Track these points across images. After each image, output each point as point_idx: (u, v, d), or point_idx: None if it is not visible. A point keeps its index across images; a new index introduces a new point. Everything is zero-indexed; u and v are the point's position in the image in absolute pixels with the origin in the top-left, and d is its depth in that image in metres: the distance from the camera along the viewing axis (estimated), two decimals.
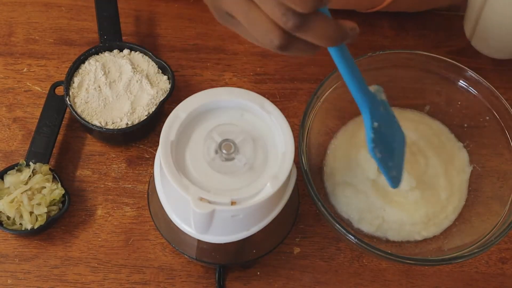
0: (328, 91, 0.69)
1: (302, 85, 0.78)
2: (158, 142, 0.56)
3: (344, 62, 0.53)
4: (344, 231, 0.60)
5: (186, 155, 0.54)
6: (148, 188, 0.67)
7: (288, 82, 0.79)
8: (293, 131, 0.54)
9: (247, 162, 0.54)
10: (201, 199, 0.52)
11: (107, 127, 0.70)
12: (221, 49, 0.80)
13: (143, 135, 0.74)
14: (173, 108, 0.55)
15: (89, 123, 0.70)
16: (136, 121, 0.71)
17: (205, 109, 0.56)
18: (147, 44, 0.79)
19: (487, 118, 0.69)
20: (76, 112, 0.70)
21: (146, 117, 0.71)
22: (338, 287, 0.68)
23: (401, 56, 0.70)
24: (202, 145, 0.54)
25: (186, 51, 0.80)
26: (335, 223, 0.61)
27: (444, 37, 0.83)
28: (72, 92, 0.72)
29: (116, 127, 0.70)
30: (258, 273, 0.68)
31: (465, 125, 0.72)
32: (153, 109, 0.71)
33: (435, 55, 0.70)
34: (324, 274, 0.68)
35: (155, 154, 0.71)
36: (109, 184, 0.72)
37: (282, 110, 0.55)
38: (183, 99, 0.55)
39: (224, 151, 0.54)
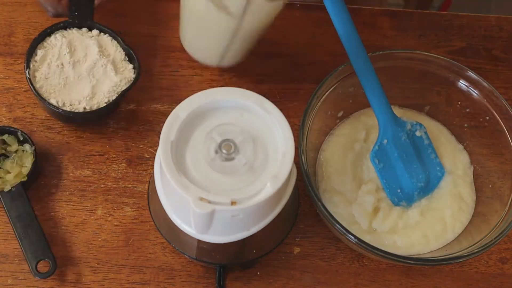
0: (328, 91, 0.69)
1: (302, 85, 0.78)
2: (158, 142, 0.56)
3: (371, 87, 0.66)
4: (344, 231, 0.60)
5: (186, 155, 0.54)
6: (148, 188, 0.67)
7: (288, 82, 0.79)
8: (293, 131, 0.54)
9: (247, 162, 0.54)
10: (201, 199, 0.51)
11: (63, 108, 0.68)
12: None
13: (98, 120, 0.74)
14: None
15: (46, 100, 0.68)
16: (95, 107, 0.69)
17: (205, 109, 0.56)
18: (146, 44, 0.79)
19: (487, 118, 0.69)
20: (34, 88, 0.68)
21: (105, 104, 0.69)
22: (338, 287, 0.68)
23: (401, 56, 0.70)
24: (202, 145, 0.54)
25: (186, 51, 0.80)
26: (335, 223, 0.61)
27: (444, 37, 0.83)
28: (33, 65, 0.70)
29: (73, 110, 0.69)
30: (258, 273, 0.68)
31: (465, 125, 0.72)
32: (113, 97, 0.70)
33: (435, 55, 0.70)
34: (324, 274, 0.68)
35: (155, 154, 0.71)
36: (109, 184, 0.72)
37: (282, 110, 0.55)
38: (183, 99, 0.55)
39: (224, 151, 0.54)
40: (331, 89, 0.69)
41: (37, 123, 0.74)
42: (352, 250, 0.69)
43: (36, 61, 0.70)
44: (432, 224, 0.67)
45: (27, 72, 0.69)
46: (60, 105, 0.68)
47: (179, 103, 0.55)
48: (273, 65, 0.80)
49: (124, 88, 0.70)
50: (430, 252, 0.66)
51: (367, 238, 0.66)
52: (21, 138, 0.70)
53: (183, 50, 0.80)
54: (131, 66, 0.72)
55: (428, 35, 0.83)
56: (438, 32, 0.83)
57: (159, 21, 0.82)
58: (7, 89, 0.77)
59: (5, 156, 0.70)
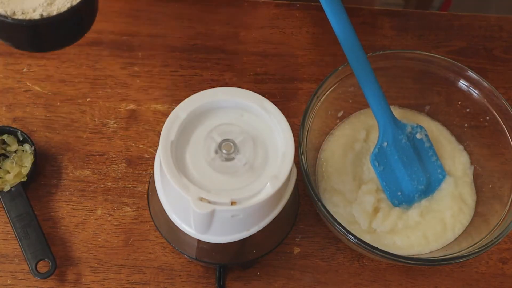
0: (328, 91, 0.69)
1: (302, 85, 0.78)
2: (158, 142, 0.56)
3: (370, 89, 0.65)
4: (344, 231, 0.60)
5: (186, 155, 0.54)
6: (148, 188, 0.67)
7: (288, 82, 0.79)
8: (293, 131, 0.54)
9: (247, 162, 0.54)
10: (201, 199, 0.51)
11: (14, 17, 0.55)
12: (221, 49, 0.80)
13: (63, 39, 0.60)
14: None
15: None
16: (54, 13, 0.56)
17: (205, 109, 0.56)
18: (146, 44, 0.79)
19: (487, 118, 0.69)
20: None
21: (67, 9, 0.56)
22: (338, 287, 0.68)
23: (401, 56, 0.70)
24: (202, 145, 0.54)
25: (186, 51, 0.80)
26: (335, 223, 0.61)
27: (444, 37, 0.83)
28: None
29: (26, 18, 0.55)
30: (258, 273, 0.68)
31: (465, 125, 0.72)
32: (77, 1, 0.56)
33: (435, 55, 0.70)
34: (324, 274, 0.68)
35: (155, 154, 0.71)
36: (109, 184, 0.72)
37: (282, 110, 0.55)
38: (183, 99, 0.55)
39: (224, 151, 0.54)
40: (331, 89, 0.69)
41: (37, 123, 0.74)
42: (352, 250, 0.69)
43: None
44: (432, 225, 0.67)
45: None
46: (9, 14, 0.55)
47: (179, 103, 0.55)
48: (273, 65, 0.80)
49: None
50: (430, 252, 0.66)
51: (367, 238, 0.66)
52: (21, 138, 0.70)
53: (183, 50, 0.80)
54: None
55: (428, 35, 0.83)
56: (438, 32, 0.83)
57: (159, 21, 0.82)
58: (7, 89, 0.77)
59: (5, 156, 0.70)
